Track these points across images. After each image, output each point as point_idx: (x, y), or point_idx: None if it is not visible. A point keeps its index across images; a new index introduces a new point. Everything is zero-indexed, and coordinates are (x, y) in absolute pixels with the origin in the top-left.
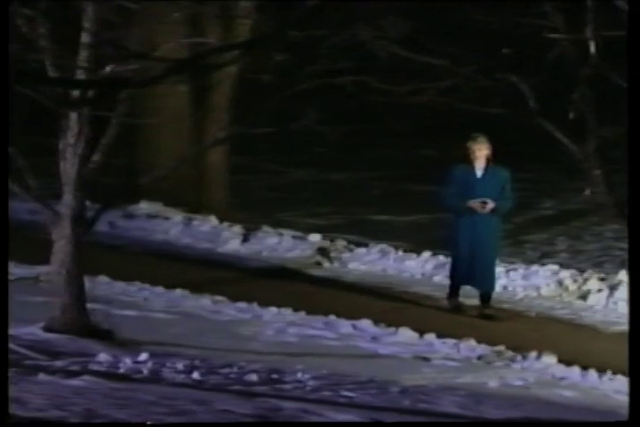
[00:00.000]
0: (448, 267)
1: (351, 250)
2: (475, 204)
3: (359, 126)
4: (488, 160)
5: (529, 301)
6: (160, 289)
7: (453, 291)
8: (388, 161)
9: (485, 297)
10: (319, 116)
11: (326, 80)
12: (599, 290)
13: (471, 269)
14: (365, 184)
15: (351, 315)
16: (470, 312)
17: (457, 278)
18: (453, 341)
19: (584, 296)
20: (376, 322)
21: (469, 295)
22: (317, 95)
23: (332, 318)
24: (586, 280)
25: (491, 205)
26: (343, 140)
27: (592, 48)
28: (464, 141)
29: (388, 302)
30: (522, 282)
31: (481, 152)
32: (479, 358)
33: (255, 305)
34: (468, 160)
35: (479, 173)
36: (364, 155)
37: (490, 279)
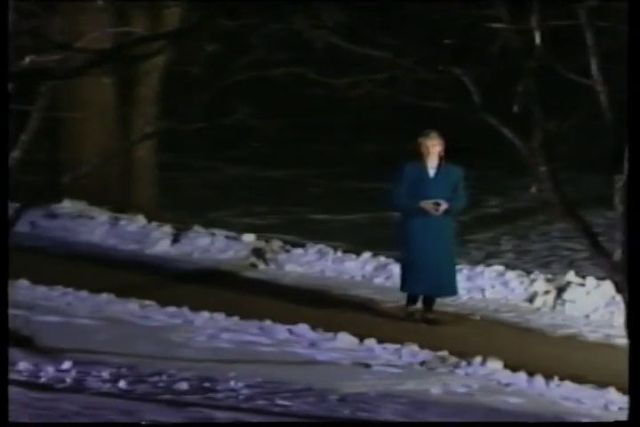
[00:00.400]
0: (389, 268)
1: (288, 251)
2: (427, 205)
3: (296, 120)
4: (440, 158)
5: (473, 303)
6: (84, 293)
7: (411, 300)
8: (328, 157)
9: (429, 301)
10: (254, 110)
11: (260, 72)
12: (546, 292)
13: (428, 276)
14: (303, 182)
15: (288, 320)
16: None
17: (411, 287)
18: (395, 346)
19: (531, 298)
20: (314, 327)
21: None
22: (251, 88)
23: (268, 322)
24: (532, 282)
25: (444, 206)
26: (280, 135)
27: (537, 39)
28: (408, 137)
29: (327, 306)
30: (466, 284)
31: (434, 149)
32: (422, 364)
33: (186, 310)
34: (419, 157)
35: (431, 171)
36: (301, 151)
37: (452, 284)
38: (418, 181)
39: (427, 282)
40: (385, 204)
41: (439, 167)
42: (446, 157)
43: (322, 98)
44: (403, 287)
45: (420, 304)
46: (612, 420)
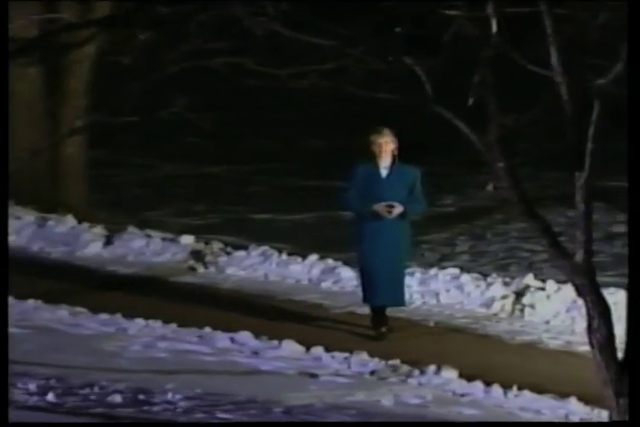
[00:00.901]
0: (337, 272)
1: (229, 253)
2: (380, 208)
3: (236, 114)
4: (394, 157)
5: (427, 308)
6: (10, 300)
7: (377, 315)
8: (270, 153)
9: (379, 312)
10: (191, 103)
11: (198, 62)
12: (504, 296)
13: (377, 283)
14: (245, 179)
15: (229, 327)
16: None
17: (369, 298)
18: (343, 355)
19: (487, 303)
20: (257, 335)
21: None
22: (188, 79)
23: (208, 330)
24: (489, 285)
25: (398, 209)
26: (219, 129)
27: (494, 26)
28: (356, 132)
29: (271, 312)
30: (419, 288)
31: (387, 147)
32: (372, 373)
33: (119, 317)
34: (371, 156)
35: (384, 171)
36: (242, 146)
37: (397, 293)
38: (370, 182)
39: (385, 292)
40: (334, 203)
41: (392, 167)
42: (400, 156)
43: (264, 90)
44: (364, 300)
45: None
46: None
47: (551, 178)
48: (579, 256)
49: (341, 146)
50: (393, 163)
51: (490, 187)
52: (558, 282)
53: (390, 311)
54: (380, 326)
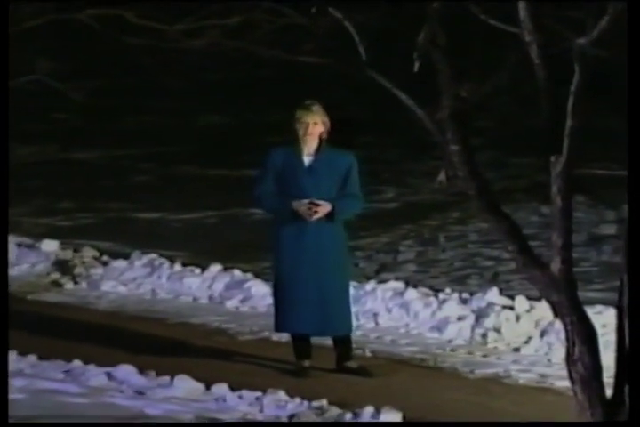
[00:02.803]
0: (247, 286)
1: (105, 263)
2: (300, 207)
3: (114, 82)
4: (321, 140)
5: (362, 334)
6: None
7: (300, 344)
8: (158, 133)
9: (340, 342)
10: (55, 68)
11: (61, 15)
12: (461, 318)
13: (308, 308)
14: (124, 166)
15: (105, 359)
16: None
17: (288, 324)
18: (255, 394)
19: (440, 326)
20: (142, 369)
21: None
22: (50, 38)
23: (78, 363)
24: (442, 303)
25: (324, 208)
26: (90, 102)
27: None
28: (270, 106)
29: (160, 340)
30: (352, 307)
31: (315, 128)
32: (291, 417)
33: None
34: (293, 139)
35: (307, 159)
36: (122, 124)
37: (341, 318)
38: (289, 172)
39: (309, 316)
40: (242, 198)
41: (319, 153)
42: (329, 137)
43: (149, 50)
44: (276, 326)
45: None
46: None
47: (520, 164)
48: (555, 265)
49: (251, 124)
50: (319, 148)
51: (442, 177)
52: (530, 299)
53: (316, 339)
54: (303, 359)
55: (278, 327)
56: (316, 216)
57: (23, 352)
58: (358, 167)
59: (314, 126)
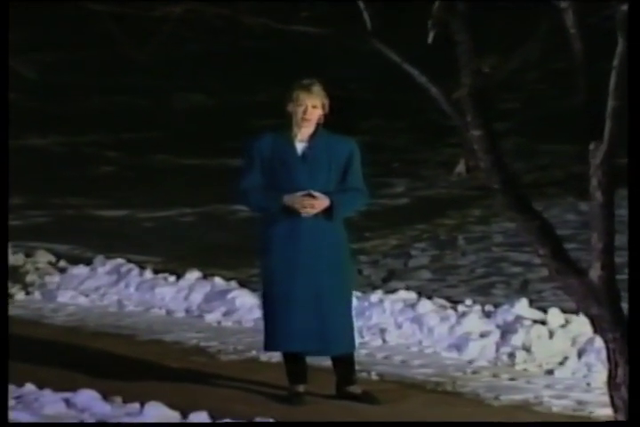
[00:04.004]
0: (231, 297)
1: (63, 270)
2: (294, 200)
3: (72, 56)
4: (318, 125)
5: (367, 353)
6: None
7: (294, 365)
8: (125, 115)
9: (341, 363)
10: None
11: None
12: (484, 334)
13: (304, 322)
14: (86, 155)
15: (63, 383)
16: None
17: (280, 342)
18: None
19: (459, 345)
20: (106, 394)
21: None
22: None
23: (30, 388)
24: (462, 317)
25: (321, 201)
26: (45, 79)
27: None
28: (257, 83)
29: (128, 361)
30: (355, 321)
31: (313, 113)
32: None
33: None
34: (286, 122)
35: (301, 146)
36: (82, 105)
37: (342, 334)
38: (280, 162)
39: (305, 332)
40: (224, 193)
41: (314, 139)
42: (326, 122)
43: (115, 18)
44: (266, 343)
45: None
46: None
47: (553, 152)
48: (595, 272)
49: (236, 104)
50: (314, 133)
51: (460, 167)
52: (565, 312)
53: (312, 359)
54: (298, 383)
55: (268, 345)
56: (313, 211)
57: None
58: (361, 156)
59: (312, 110)
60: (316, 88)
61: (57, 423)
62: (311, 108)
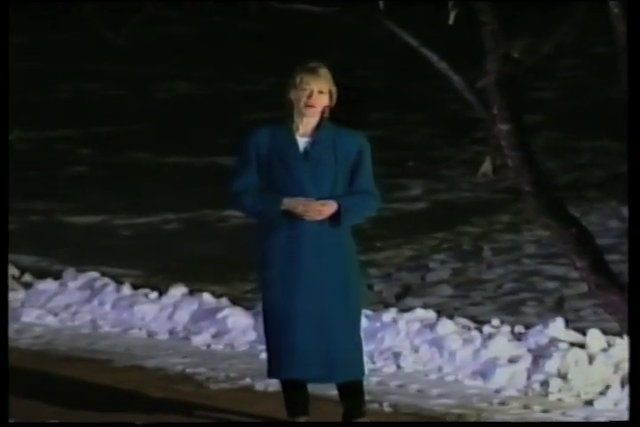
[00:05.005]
0: (222, 316)
1: (28, 285)
2: (295, 205)
3: (39, 38)
4: (322, 117)
5: (378, 381)
6: None
7: (294, 395)
8: (100, 106)
9: (349, 392)
10: None
11: None
12: (513, 359)
13: (307, 346)
14: (55, 152)
15: (29, 416)
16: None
17: (283, 368)
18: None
19: (485, 371)
20: None
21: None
22: None
23: None
24: (488, 340)
25: (328, 206)
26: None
27: None
28: (254, 71)
29: (104, 391)
30: (366, 345)
31: (319, 100)
32: None
33: None
34: (286, 114)
35: (303, 141)
36: (50, 94)
37: (350, 358)
38: (279, 160)
39: (307, 356)
40: (214, 196)
41: (318, 134)
42: (332, 114)
43: None
44: (269, 371)
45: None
46: None
47: (593, 149)
48: None
49: (227, 94)
50: (318, 126)
51: (486, 166)
52: (607, 333)
53: (315, 387)
54: (299, 414)
55: (271, 372)
56: (319, 217)
57: None
58: (372, 153)
59: (319, 96)
60: (324, 71)
61: (57, 423)
62: (317, 93)
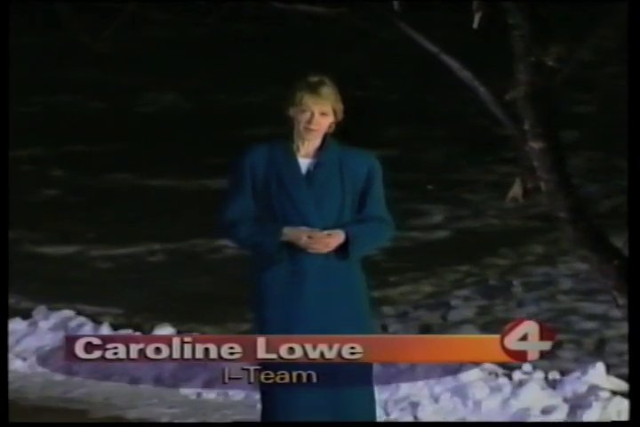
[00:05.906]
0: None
1: None
2: (297, 235)
3: (9, 42)
4: (325, 136)
5: None
6: None
7: None
8: (75, 121)
9: None
10: None
11: None
12: (547, 409)
13: (307, 392)
14: (23, 174)
15: None
16: None
17: (284, 411)
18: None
19: (516, 422)
20: None
21: None
22: None
23: None
24: (519, 387)
25: (334, 237)
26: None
27: None
28: (251, 81)
29: None
30: (380, 392)
31: (322, 121)
32: None
33: None
34: (287, 131)
35: (306, 163)
36: (19, 107)
37: (360, 408)
38: (279, 184)
39: (312, 405)
40: (205, 225)
41: (323, 154)
42: (338, 130)
43: None
44: (263, 413)
45: None
46: None
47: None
48: None
49: (220, 108)
50: (321, 146)
51: (516, 190)
52: None
53: None
54: None
55: (265, 414)
56: (323, 249)
57: None
58: (385, 175)
59: (321, 118)
60: (326, 89)
61: (57, 423)
62: (319, 115)
